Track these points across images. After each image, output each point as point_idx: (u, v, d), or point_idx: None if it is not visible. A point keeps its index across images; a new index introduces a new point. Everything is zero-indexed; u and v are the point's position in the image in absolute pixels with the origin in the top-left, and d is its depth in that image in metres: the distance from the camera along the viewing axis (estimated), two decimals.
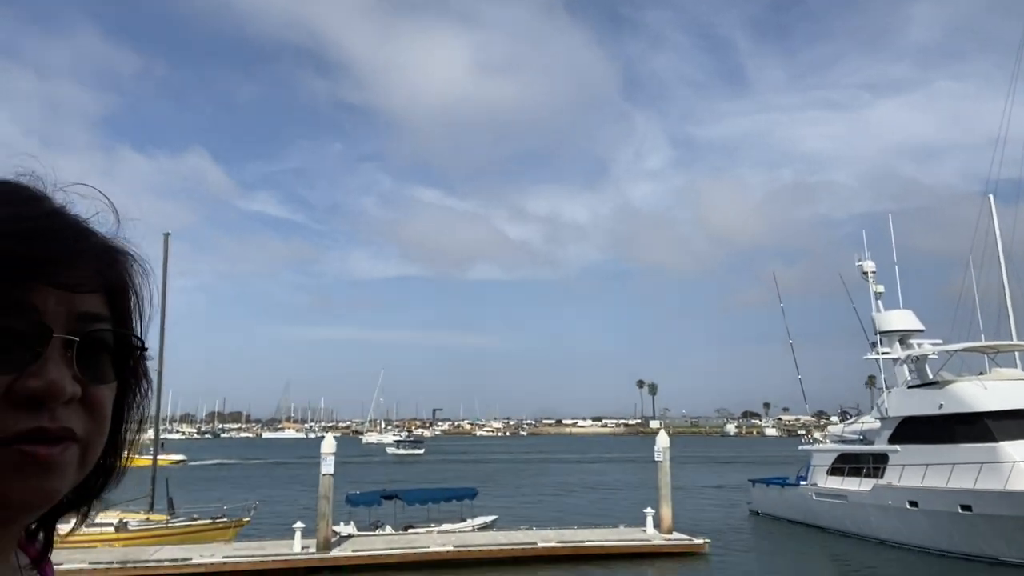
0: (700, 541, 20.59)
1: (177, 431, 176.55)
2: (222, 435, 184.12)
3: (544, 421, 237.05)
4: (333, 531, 20.49)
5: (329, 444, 19.22)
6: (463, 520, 22.77)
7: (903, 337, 24.66)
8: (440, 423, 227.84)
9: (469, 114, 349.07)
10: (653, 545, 20.12)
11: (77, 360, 0.56)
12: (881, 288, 25.96)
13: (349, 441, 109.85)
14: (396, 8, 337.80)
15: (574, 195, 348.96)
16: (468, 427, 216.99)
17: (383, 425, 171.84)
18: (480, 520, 23.12)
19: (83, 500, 0.65)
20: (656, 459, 22.23)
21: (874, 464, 23.15)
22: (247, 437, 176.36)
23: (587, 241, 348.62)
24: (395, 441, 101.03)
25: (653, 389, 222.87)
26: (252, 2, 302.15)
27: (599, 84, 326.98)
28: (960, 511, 19.35)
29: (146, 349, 0.64)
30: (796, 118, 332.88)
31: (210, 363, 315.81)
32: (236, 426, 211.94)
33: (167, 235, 22.26)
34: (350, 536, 20.31)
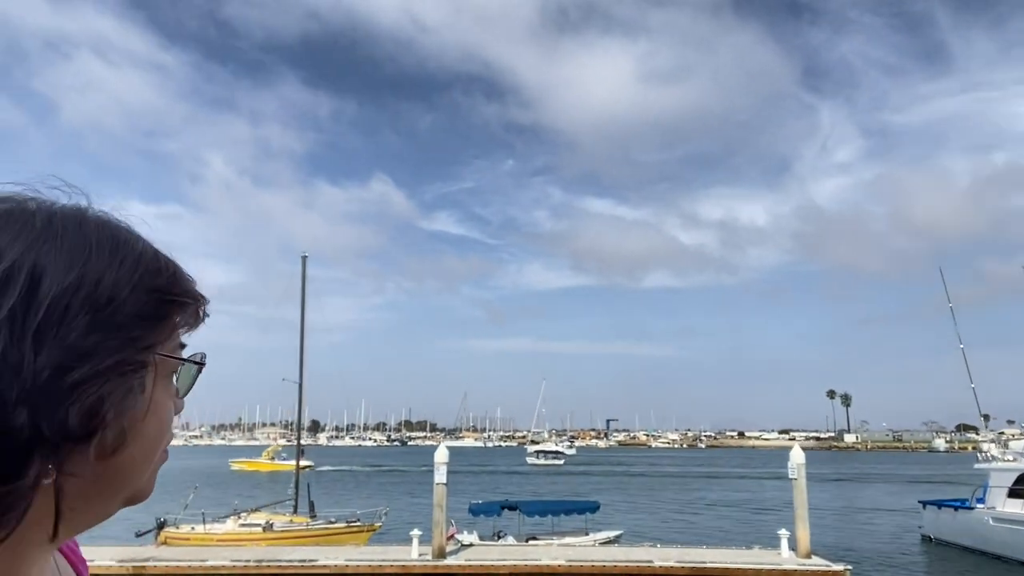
0: (840, 567, 18.68)
1: (370, 439, 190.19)
2: (408, 443, 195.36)
3: (727, 433, 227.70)
4: (456, 539, 21.04)
5: (442, 454, 19.75)
6: (587, 534, 22.42)
7: None
8: (615, 433, 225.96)
9: (637, 123, 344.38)
10: (782, 570, 18.57)
11: None
12: None
13: (516, 451, 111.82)
14: (560, 28, 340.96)
15: (751, 196, 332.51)
16: (643, 438, 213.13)
17: (555, 435, 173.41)
18: (604, 535, 22.63)
19: None
20: (791, 476, 20.52)
21: None
22: (431, 445, 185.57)
23: (767, 244, 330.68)
24: (535, 452, 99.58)
25: (846, 400, 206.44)
26: (432, 40, 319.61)
27: (775, 79, 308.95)
28: None
29: (204, 364, 0.73)
30: (1010, 93, 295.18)
31: (398, 375, 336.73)
32: (422, 434, 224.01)
33: (304, 257, 24.09)
34: (470, 545, 20.70)
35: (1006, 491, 22.16)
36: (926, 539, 25.93)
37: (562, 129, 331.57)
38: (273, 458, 66.77)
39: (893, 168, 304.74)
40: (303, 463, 23.44)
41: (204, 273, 0.70)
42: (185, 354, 0.66)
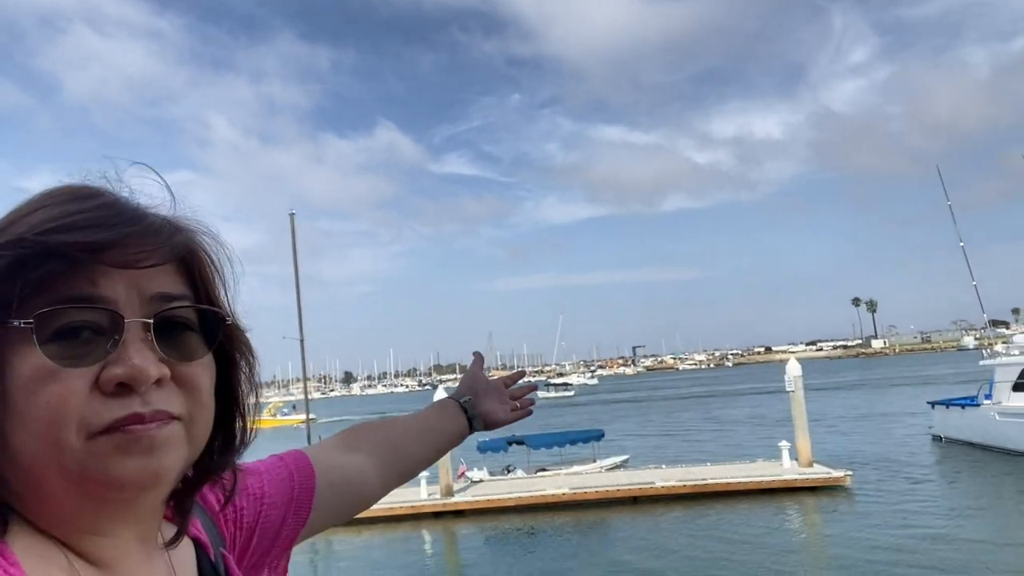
0: (840, 473, 18.97)
1: (401, 385, 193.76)
2: (439, 387, 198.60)
3: (754, 350, 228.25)
4: (467, 477, 21.58)
5: (441, 394, 20.09)
6: (594, 461, 22.87)
7: None
8: (643, 359, 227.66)
9: (642, 44, 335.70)
10: (783, 480, 18.88)
11: (159, 341, 0.57)
12: None
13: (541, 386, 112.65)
14: None
15: (765, 109, 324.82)
16: (671, 362, 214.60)
17: (583, 366, 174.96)
18: (611, 460, 23.07)
19: (216, 469, 0.69)
20: (787, 388, 20.68)
21: None
22: None
23: (784, 155, 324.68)
24: (545, 384, 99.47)
25: (872, 306, 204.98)
26: None
27: None
28: None
29: (229, 320, 0.64)
30: None
31: (425, 320, 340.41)
32: (452, 377, 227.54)
33: (292, 214, 24.11)
34: (479, 481, 21.24)
35: (1010, 385, 22.09)
36: (936, 439, 26.07)
37: (566, 58, 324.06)
38: (275, 414, 68.58)
39: (909, 65, 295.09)
40: (301, 417, 23.84)
41: (226, 236, 0.64)
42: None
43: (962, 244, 26.50)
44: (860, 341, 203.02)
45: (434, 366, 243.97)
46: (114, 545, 0.59)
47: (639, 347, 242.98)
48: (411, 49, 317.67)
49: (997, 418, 22.18)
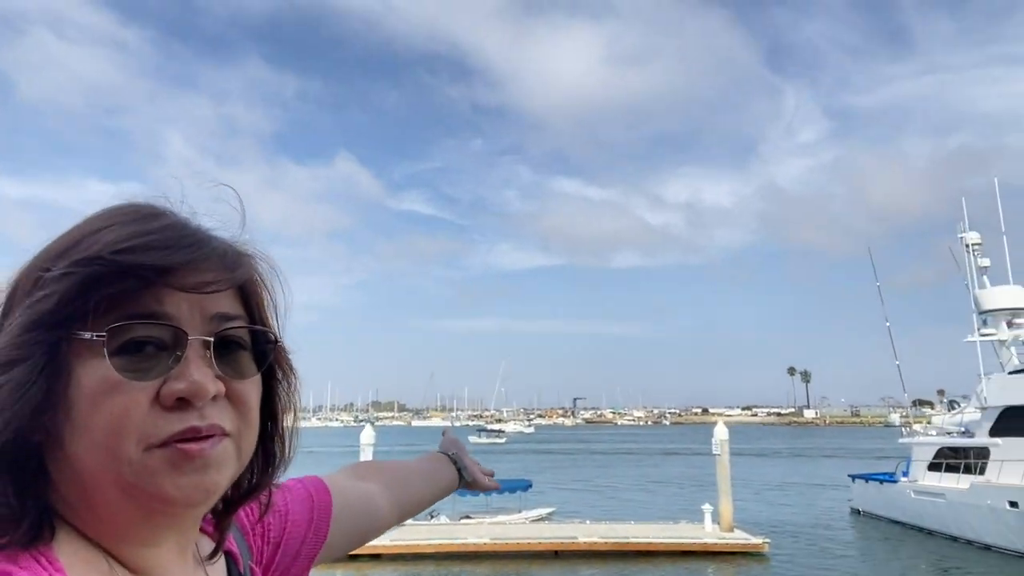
0: (759, 540, 19.18)
1: (336, 419, 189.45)
2: (376, 423, 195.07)
3: (692, 410, 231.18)
4: None
5: (368, 435, 19.77)
6: (519, 512, 22.65)
7: (1012, 316, 21.61)
8: (583, 411, 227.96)
9: (604, 104, 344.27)
10: (703, 544, 18.98)
11: (216, 359, 0.59)
12: (987, 262, 22.85)
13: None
14: (527, 10, 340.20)
15: (718, 177, 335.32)
16: (610, 416, 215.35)
17: (523, 413, 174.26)
18: (536, 512, 22.89)
19: (259, 488, 0.70)
20: (714, 452, 20.97)
21: (975, 459, 20.55)
22: (399, 425, 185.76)
23: (732, 224, 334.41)
24: (477, 430, 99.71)
25: (806, 377, 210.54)
26: (399, 19, 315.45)
27: (741, 62, 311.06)
28: None
29: (278, 342, 0.67)
30: (969, 77, 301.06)
31: (367, 355, 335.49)
32: (389, 415, 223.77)
33: None
34: (401, 525, 20.77)
35: (926, 465, 22.81)
36: (855, 512, 26.66)
37: (530, 110, 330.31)
38: None
39: (854, 150, 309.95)
40: None
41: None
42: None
43: (888, 324, 27.64)
44: (793, 410, 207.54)
45: (372, 403, 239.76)
46: (155, 555, 0.60)
47: (580, 399, 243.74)
48: (378, 85, 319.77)
49: (912, 496, 22.82)
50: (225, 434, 0.59)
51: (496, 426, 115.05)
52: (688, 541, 19.06)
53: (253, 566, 0.76)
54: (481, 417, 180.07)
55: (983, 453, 20.25)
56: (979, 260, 23.00)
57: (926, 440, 23.58)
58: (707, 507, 20.01)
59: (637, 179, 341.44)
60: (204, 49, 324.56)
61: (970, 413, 22.08)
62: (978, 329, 22.47)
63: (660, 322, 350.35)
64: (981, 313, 22.55)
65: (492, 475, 1.36)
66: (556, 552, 18.86)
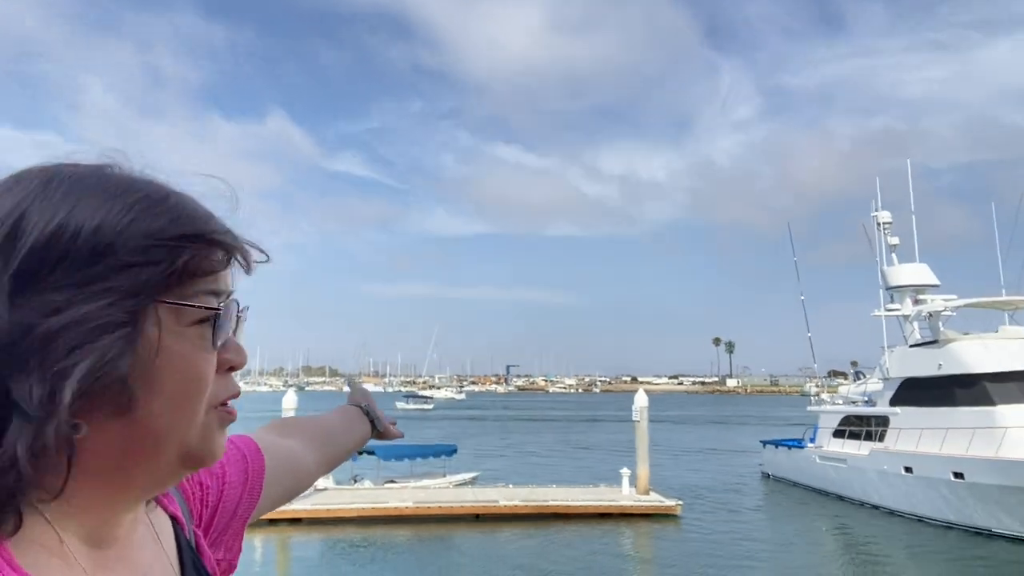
0: (672, 503, 19.96)
1: (265, 384, 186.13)
2: (306, 388, 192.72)
3: (622, 378, 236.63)
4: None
5: (290, 400, 19.56)
6: (444, 476, 22.88)
7: (916, 292, 22.83)
8: (515, 379, 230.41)
9: (546, 72, 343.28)
10: (620, 506, 19.63)
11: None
12: (896, 240, 24.01)
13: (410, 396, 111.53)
14: None
15: (652, 151, 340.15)
16: (542, 383, 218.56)
17: (456, 380, 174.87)
18: (460, 476, 23.18)
19: None
20: (634, 419, 21.58)
21: (876, 427, 21.79)
22: (331, 390, 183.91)
23: (665, 198, 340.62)
24: (405, 396, 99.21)
25: (730, 347, 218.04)
26: None
27: (681, 38, 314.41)
28: (953, 479, 17.99)
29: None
30: (896, 62, 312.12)
31: (298, 319, 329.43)
32: (321, 380, 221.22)
33: None
34: (324, 489, 20.70)
35: (831, 432, 24.06)
36: (765, 476, 27.97)
37: (472, 74, 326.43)
38: None
39: (783, 129, 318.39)
40: None
41: None
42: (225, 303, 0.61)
43: (803, 298, 28.82)
44: (717, 379, 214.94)
45: (303, 367, 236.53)
46: (122, 522, 0.61)
47: (513, 366, 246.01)
48: (315, 41, 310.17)
49: (817, 461, 24.07)
50: None
51: (427, 392, 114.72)
52: (605, 503, 19.67)
53: (196, 530, 0.77)
54: (414, 383, 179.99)
55: (883, 421, 21.47)
56: (889, 238, 24.15)
57: (832, 408, 24.86)
58: (625, 471, 20.64)
59: (575, 149, 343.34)
60: None
61: (873, 384, 23.34)
62: (884, 304, 23.67)
63: (592, 292, 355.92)
64: (888, 289, 23.73)
65: (395, 424, 1.36)
66: (477, 515, 19.17)
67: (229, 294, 0.62)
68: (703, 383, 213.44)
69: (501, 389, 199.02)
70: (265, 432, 1.03)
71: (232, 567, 0.85)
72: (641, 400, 21.55)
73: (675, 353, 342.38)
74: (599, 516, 19.40)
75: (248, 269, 0.64)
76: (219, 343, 0.60)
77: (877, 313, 23.80)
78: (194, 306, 0.58)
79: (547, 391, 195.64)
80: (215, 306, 0.59)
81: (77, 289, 0.52)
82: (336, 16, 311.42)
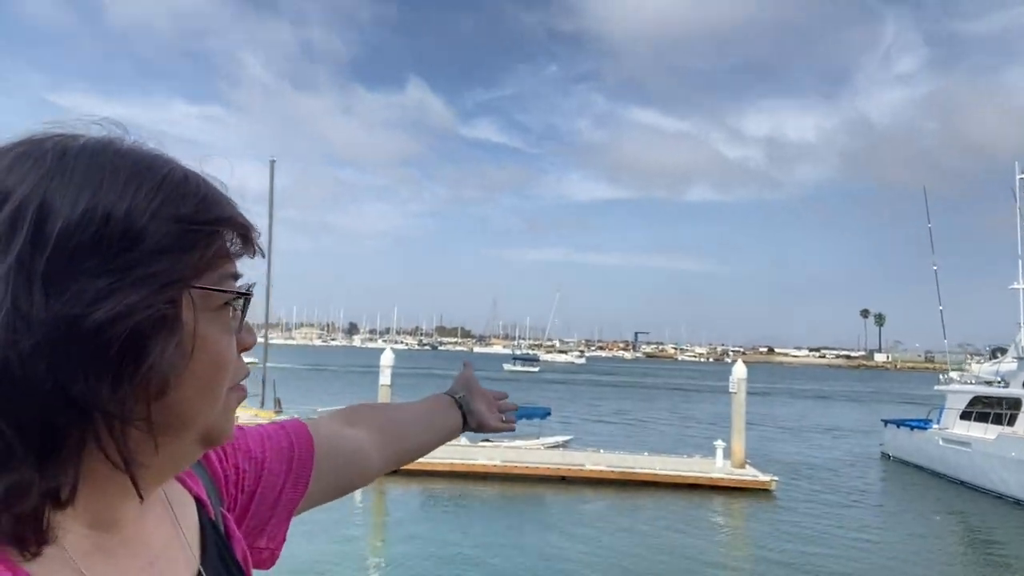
0: (766, 478, 19.19)
1: (402, 342, 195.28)
2: (439, 347, 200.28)
3: (759, 349, 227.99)
4: None
5: (388, 357, 20.44)
6: (537, 438, 23.20)
7: None
8: (644, 345, 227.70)
9: (686, 30, 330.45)
10: (708, 478, 19.12)
11: None
12: None
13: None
14: None
15: (802, 109, 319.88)
16: (671, 351, 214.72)
17: (584, 344, 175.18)
18: (553, 439, 23.40)
19: None
20: (731, 390, 20.85)
21: (1006, 410, 19.82)
22: (461, 350, 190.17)
23: (815, 160, 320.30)
24: (512, 358, 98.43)
25: (880, 320, 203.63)
26: None
27: None
28: None
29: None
30: None
31: (434, 281, 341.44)
32: (453, 340, 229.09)
33: (272, 162, 24.30)
34: None
35: (958, 413, 22.14)
36: (885, 457, 26.23)
37: (607, 36, 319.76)
38: None
39: (956, 80, 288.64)
40: (257, 361, 24.45)
41: (249, 179, 0.55)
42: (241, 284, 0.62)
43: (935, 268, 26.40)
44: (864, 353, 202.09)
45: (437, 327, 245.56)
46: (135, 504, 0.59)
47: (642, 333, 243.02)
48: (453, 11, 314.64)
49: (941, 443, 22.27)
50: None
51: (545, 355, 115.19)
52: (693, 474, 19.24)
53: (224, 512, 0.75)
54: (541, 346, 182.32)
55: (1015, 404, 19.51)
56: None
57: (960, 388, 22.82)
58: (719, 443, 20.05)
59: (716, 111, 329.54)
60: None
61: (1008, 364, 21.17)
62: (1023, 276, 21.27)
63: (731, 259, 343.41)
64: None
65: (514, 409, 1.31)
66: (563, 478, 19.37)
67: (240, 276, 0.62)
68: (848, 357, 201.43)
69: (628, 355, 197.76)
70: (332, 418, 1.01)
71: (274, 556, 0.84)
72: (739, 371, 20.78)
73: (819, 325, 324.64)
74: (688, 487, 19.01)
75: (261, 252, 0.63)
76: (236, 326, 0.60)
77: (1016, 286, 21.43)
78: (227, 291, 0.58)
79: (676, 359, 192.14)
80: (244, 290, 0.60)
81: (116, 277, 0.50)
82: None
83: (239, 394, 0.62)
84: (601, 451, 21.87)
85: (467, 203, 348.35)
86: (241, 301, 0.60)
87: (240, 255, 0.61)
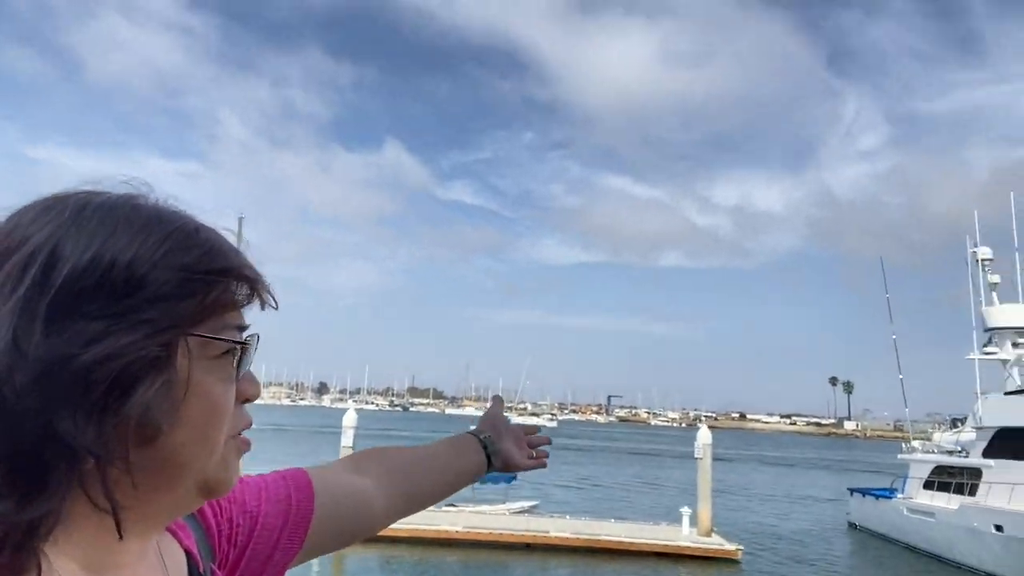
0: (732, 547, 19.00)
1: (372, 403, 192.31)
2: (410, 408, 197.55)
3: (731, 415, 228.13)
4: None
5: (351, 418, 20.17)
6: (503, 503, 22.81)
7: (1017, 336, 20.88)
8: (617, 409, 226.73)
9: (658, 102, 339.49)
10: (675, 546, 18.87)
11: None
12: (996, 279, 22.10)
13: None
14: (584, 8, 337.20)
15: (769, 180, 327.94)
16: (644, 415, 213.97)
17: (557, 408, 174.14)
18: (519, 504, 23.03)
19: None
20: (696, 456, 20.79)
21: (967, 479, 19.98)
22: (433, 412, 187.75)
23: (782, 229, 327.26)
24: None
25: (848, 387, 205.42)
26: (456, 12, 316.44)
27: (801, 64, 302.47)
28: None
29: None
30: None
31: (407, 341, 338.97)
32: (424, 401, 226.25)
33: (240, 218, 24.44)
34: None
35: (921, 482, 22.26)
36: (852, 526, 26.15)
37: (582, 105, 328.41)
38: None
39: (917, 157, 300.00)
40: None
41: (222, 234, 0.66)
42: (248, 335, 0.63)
43: (894, 337, 26.92)
44: (834, 421, 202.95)
45: (409, 388, 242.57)
46: (127, 550, 0.59)
47: (616, 396, 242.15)
48: (431, 76, 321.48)
49: (906, 513, 22.29)
50: None
51: (515, 417, 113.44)
52: (659, 542, 18.99)
53: (214, 568, 0.73)
54: (514, 409, 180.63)
55: (976, 474, 19.68)
56: (989, 276, 22.26)
57: (923, 457, 23.01)
58: (685, 510, 19.87)
59: (686, 179, 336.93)
60: (267, 35, 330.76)
61: (967, 433, 21.45)
62: (979, 346, 21.79)
63: (702, 324, 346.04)
64: (987, 330, 21.85)
65: (547, 443, 1.26)
66: (528, 545, 18.99)
67: (247, 327, 0.63)
68: (819, 424, 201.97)
69: (601, 419, 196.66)
70: (339, 465, 0.99)
71: None
72: (704, 437, 20.76)
73: (789, 391, 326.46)
74: (654, 555, 18.74)
75: (273, 304, 0.65)
76: (237, 375, 0.61)
77: (971, 356, 21.92)
78: (224, 340, 0.59)
79: (649, 424, 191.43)
80: (241, 339, 0.61)
81: (113, 320, 0.52)
82: (452, 53, 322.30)
83: (240, 445, 0.63)
84: (567, 517, 21.55)
85: (442, 264, 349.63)
86: (240, 350, 0.61)
87: (243, 304, 0.62)
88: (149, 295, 0.54)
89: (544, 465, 1.23)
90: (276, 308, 0.65)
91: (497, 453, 1.14)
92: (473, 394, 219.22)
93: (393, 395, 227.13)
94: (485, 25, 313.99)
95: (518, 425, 1.24)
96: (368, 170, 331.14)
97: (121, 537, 0.55)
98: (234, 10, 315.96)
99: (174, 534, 0.69)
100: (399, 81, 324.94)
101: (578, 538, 19.01)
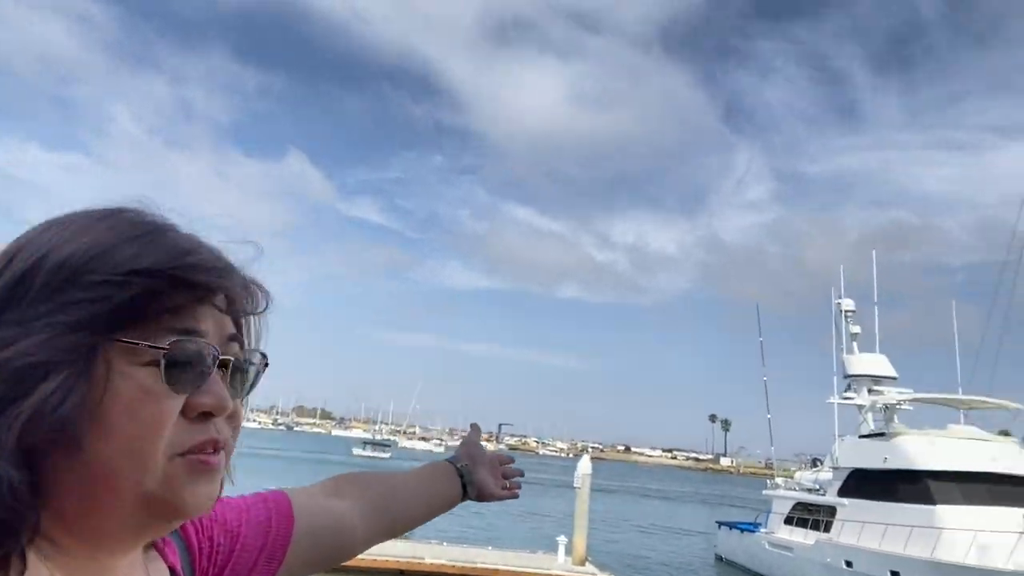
0: (604, 575, 19.41)
1: (255, 420, 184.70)
2: (295, 428, 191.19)
3: (617, 447, 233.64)
4: None
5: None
6: None
7: (873, 383, 22.60)
8: (507, 437, 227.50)
9: (563, 140, 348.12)
10: (548, 574, 19.09)
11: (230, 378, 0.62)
12: (857, 329, 23.92)
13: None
14: (499, 42, 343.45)
15: (666, 223, 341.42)
16: (533, 445, 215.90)
17: (447, 433, 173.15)
18: None
19: None
20: (575, 485, 21.18)
21: (823, 516, 21.27)
22: (318, 432, 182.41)
23: (674, 270, 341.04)
24: (363, 443, 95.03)
25: (726, 425, 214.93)
26: (371, 31, 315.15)
27: (699, 115, 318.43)
28: None
29: (268, 365, 0.69)
30: (912, 157, 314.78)
31: (296, 358, 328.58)
32: (312, 421, 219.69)
33: None
34: None
35: (783, 517, 23.49)
36: (719, 558, 27.22)
37: (492, 135, 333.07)
38: None
39: (798, 212, 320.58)
40: None
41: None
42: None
43: (765, 379, 28.61)
44: (711, 456, 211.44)
45: (295, 407, 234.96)
46: (113, 566, 0.58)
47: (506, 425, 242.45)
48: (341, 90, 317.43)
49: (767, 547, 23.43)
50: (223, 448, 0.61)
51: (403, 441, 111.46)
52: (533, 570, 19.14)
53: None
54: (403, 432, 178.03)
55: (830, 511, 20.96)
56: (851, 326, 24.06)
57: (785, 494, 24.34)
58: (562, 539, 20.15)
59: (587, 216, 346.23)
60: (171, 31, 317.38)
61: (825, 472, 22.89)
62: (840, 391, 23.44)
63: (594, 357, 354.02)
64: (846, 377, 23.51)
65: (520, 475, 1.27)
66: (402, 572, 18.70)
67: (206, 338, 0.59)
68: (697, 459, 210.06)
69: (491, 447, 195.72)
70: (318, 488, 0.98)
71: None
72: (584, 467, 21.20)
73: (672, 427, 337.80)
74: None
75: (240, 312, 0.63)
76: (182, 385, 0.56)
77: (831, 400, 23.54)
78: (141, 344, 0.55)
79: (537, 453, 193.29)
80: (165, 346, 0.55)
81: (19, 326, 0.52)
82: (364, 69, 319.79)
83: (195, 463, 0.58)
84: (444, 544, 21.35)
85: (340, 280, 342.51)
86: (189, 358, 0.57)
87: (195, 308, 0.58)
88: (67, 298, 0.53)
89: (516, 496, 1.26)
90: (251, 314, 0.66)
91: (472, 483, 1.16)
92: (363, 415, 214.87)
93: (278, 413, 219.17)
94: (399, 46, 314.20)
95: (494, 454, 1.26)
96: (268, 179, 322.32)
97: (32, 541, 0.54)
98: (137, 2, 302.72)
99: (160, 551, 0.69)
100: (307, 91, 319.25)
101: (454, 565, 18.88)
